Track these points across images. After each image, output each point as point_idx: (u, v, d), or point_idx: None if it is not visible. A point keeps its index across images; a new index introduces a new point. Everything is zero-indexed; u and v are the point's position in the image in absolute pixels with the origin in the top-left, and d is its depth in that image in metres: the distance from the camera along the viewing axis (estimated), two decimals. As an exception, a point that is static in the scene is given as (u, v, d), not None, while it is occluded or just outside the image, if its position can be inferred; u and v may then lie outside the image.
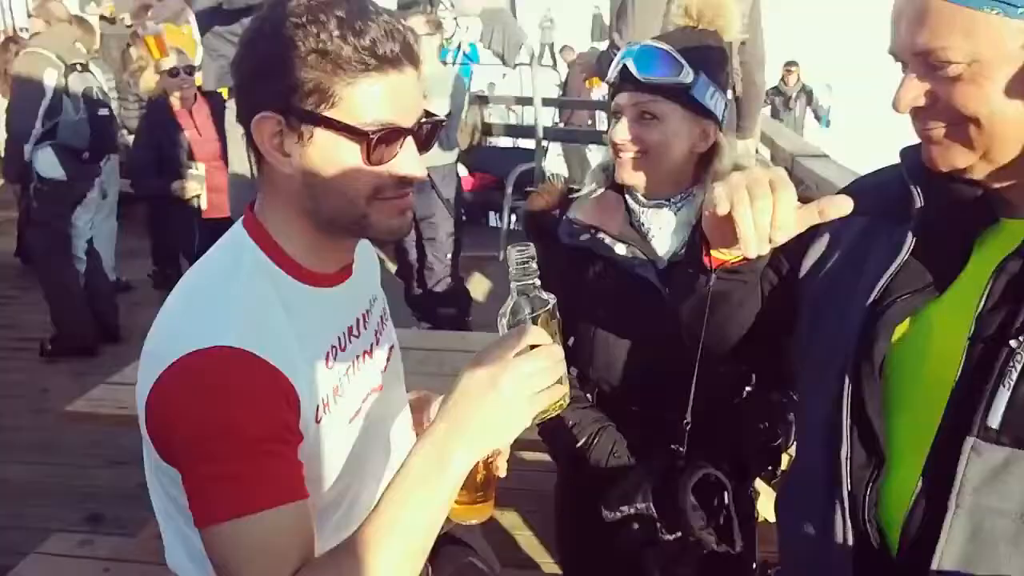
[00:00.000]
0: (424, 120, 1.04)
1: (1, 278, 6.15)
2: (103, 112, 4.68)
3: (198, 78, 4.31)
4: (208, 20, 3.41)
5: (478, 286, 5.74)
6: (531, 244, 0.99)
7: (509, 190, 6.51)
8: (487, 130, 8.11)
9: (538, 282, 1.00)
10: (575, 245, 1.65)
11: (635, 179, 1.59)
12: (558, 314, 1.01)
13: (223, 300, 1.00)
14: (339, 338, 1.11)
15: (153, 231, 5.69)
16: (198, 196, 4.21)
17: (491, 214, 7.03)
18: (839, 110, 11.52)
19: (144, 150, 4.28)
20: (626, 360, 1.64)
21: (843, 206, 0.98)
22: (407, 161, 1.03)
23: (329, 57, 0.94)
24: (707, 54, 1.57)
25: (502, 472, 1.24)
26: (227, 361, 0.94)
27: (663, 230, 1.61)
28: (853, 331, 1.06)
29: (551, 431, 1.71)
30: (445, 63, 7.29)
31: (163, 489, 1.05)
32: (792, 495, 1.25)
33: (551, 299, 1.00)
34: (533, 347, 0.94)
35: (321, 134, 0.98)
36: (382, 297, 1.30)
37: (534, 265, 0.99)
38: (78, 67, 4.55)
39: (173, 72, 4.21)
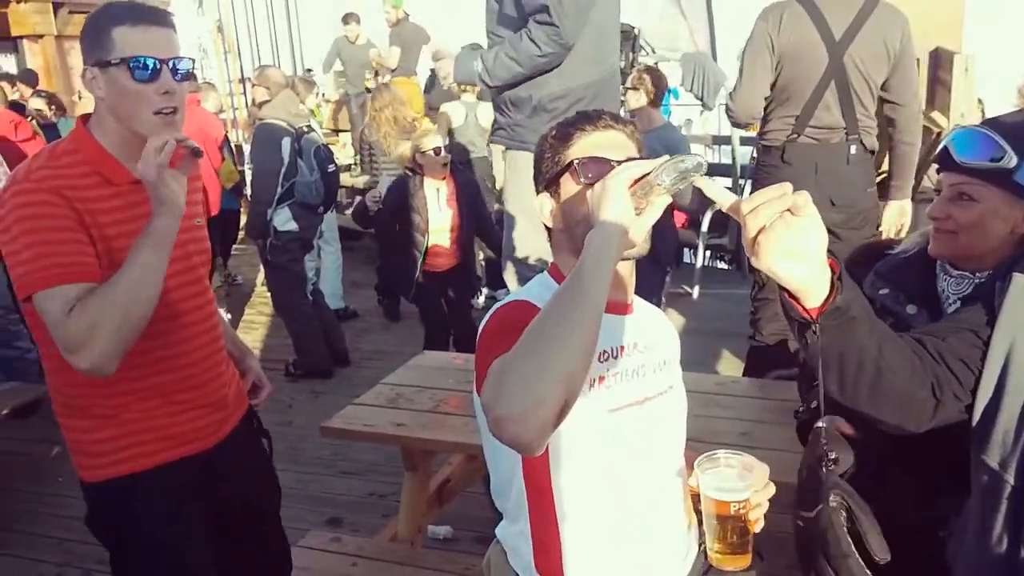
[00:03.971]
0: (631, 158, 1.37)
1: (250, 305, 6.96)
2: (331, 168, 5.11)
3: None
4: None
5: (673, 322, 5.77)
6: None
7: (704, 228, 6.58)
8: (684, 169, 8.21)
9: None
10: (872, 297, 1.71)
11: (943, 252, 1.66)
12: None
13: (524, 290, 1.54)
14: (611, 348, 1.44)
15: (381, 271, 6.29)
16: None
17: (685, 251, 7.09)
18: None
19: (387, 215, 4.64)
20: None
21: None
22: None
23: (557, 137, 1.48)
24: None
25: (758, 526, 1.40)
26: (513, 301, 1.44)
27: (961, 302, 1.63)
28: None
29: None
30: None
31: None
32: (972, 554, 1.29)
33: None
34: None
35: (562, 184, 1.45)
36: (665, 356, 1.58)
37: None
38: (305, 128, 5.00)
39: (436, 151, 4.41)
